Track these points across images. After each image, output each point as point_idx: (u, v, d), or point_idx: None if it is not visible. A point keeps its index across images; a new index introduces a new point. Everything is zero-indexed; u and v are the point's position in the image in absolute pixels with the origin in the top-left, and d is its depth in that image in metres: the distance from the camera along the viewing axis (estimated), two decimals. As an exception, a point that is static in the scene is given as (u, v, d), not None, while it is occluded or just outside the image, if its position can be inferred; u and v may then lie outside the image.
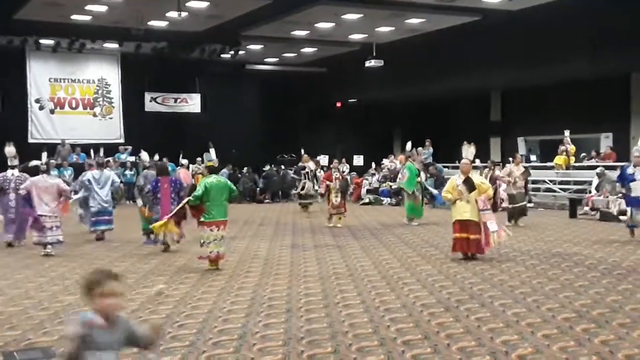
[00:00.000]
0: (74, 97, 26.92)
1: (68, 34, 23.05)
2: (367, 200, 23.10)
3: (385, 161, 24.96)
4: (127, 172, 22.68)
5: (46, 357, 5.58)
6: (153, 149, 21.56)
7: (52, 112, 26.41)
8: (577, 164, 21.61)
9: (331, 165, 17.78)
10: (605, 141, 22.66)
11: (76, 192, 14.29)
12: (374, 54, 24.76)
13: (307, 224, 16.68)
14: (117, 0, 19.26)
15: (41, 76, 26.18)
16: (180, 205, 10.59)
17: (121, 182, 16.71)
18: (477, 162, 18.41)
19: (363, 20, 21.44)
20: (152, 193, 12.17)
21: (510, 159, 17.68)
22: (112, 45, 24.73)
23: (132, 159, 23.60)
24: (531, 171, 17.66)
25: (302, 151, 21.79)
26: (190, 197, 10.04)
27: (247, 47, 25.91)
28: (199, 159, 20.58)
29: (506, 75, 22.68)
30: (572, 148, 21.59)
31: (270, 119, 29.85)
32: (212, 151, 14.29)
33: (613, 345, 5.77)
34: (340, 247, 12.11)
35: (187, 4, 19.29)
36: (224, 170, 22.73)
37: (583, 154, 22.22)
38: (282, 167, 26.16)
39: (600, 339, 5.97)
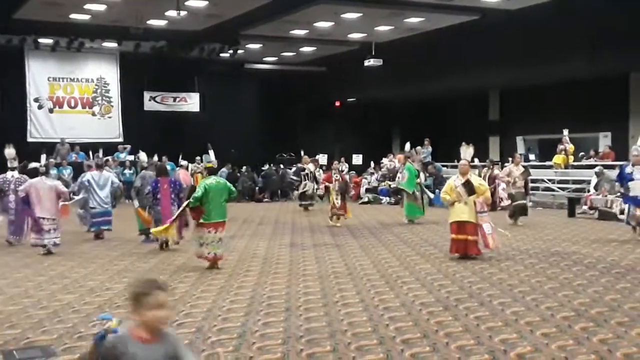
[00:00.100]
0: (73, 96, 26.89)
1: (67, 33, 23.03)
2: (366, 199, 23.14)
3: (385, 160, 24.98)
4: (127, 171, 22.70)
5: (45, 355, 5.60)
6: (152, 148, 21.56)
7: (51, 111, 26.38)
8: (575, 163, 21.65)
9: (332, 166, 17.78)
10: (604, 140, 22.69)
11: (75, 194, 14.31)
12: (373, 53, 24.76)
13: (306, 223, 16.70)
14: (116, -1, 19.29)
15: (40, 75, 26.15)
16: (181, 209, 10.59)
17: (120, 181, 16.71)
18: (476, 162, 18.45)
19: (362, 20, 21.44)
20: (152, 194, 12.17)
21: (510, 158, 17.69)
22: (111, 45, 24.71)
23: (131, 158, 23.59)
24: (530, 170, 17.66)
25: (302, 152, 21.80)
26: (190, 199, 10.04)
27: (246, 46, 25.90)
28: (198, 158, 20.59)
29: (505, 74, 22.69)
30: (570, 147, 21.62)
31: (269, 118, 29.85)
32: (211, 152, 14.33)
33: (612, 344, 5.79)
34: (339, 246, 12.12)
35: (186, 3, 19.28)
36: (223, 170, 22.76)
37: (582, 153, 22.25)
38: (281, 166, 26.19)
39: (598, 337, 5.99)
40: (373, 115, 30.53)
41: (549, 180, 21.31)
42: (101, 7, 20.09)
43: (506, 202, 16.25)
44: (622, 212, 15.17)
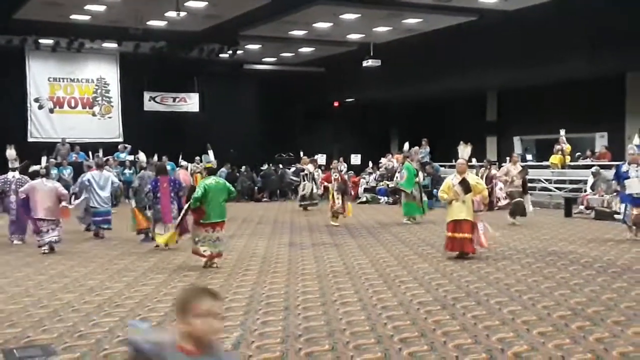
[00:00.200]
0: (73, 96, 26.90)
1: (67, 33, 23.06)
2: (364, 199, 23.19)
3: (384, 160, 25.02)
4: (127, 170, 22.68)
5: (46, 354, 5.62)
6: (152, 148, 21.57)
7: (51, 111, 26.39)
8: (572, 163, 21.69)
9: (331, 166, 17.82)
10: (601, 140, 22.74)
11: (76, 195, 14.35)
12: (372, 54, 24.81)
13: (305, 222, 16.76)
14: (116, 0, 19.31)
15: (40, 75, 26.16)
16: (183, 212, 10.64)
17: (120, 181, 16.76)
18: (474, 162, 18.49)
19: (361, 20, 21.49)
20: (152, 192, 12.22)
21: (507, 158, 17.75)
22: (111, 45, 24.74)
23: (132, 157, 23.60)
24: (527, 169, 17.69)
25: (302, 153, 21.82)
26: (191, 201, 10.08)
27: (246, 46, 25.92)
28: (197, 158, 20.61)
29: (502, 75, 22.74)
30: (567, 147, 21.67)
31: (268, 118, 29.89)
32: (211, 153, 14.36)
33: (608, 343, 5.83)
34: (337, 246, 12.17)
35: (186, 4, 19.31)
36: (223, 169, 22.80)
37: (578, 153, 22.30)
38: (280, 166, 26.22)
39: (595, 336, 6.03)
40: (371, 115, 30.59)
41: (546, 180, 21.37)
42: (101, 8, 20.11)
43: (504, 202, 16.29)
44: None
